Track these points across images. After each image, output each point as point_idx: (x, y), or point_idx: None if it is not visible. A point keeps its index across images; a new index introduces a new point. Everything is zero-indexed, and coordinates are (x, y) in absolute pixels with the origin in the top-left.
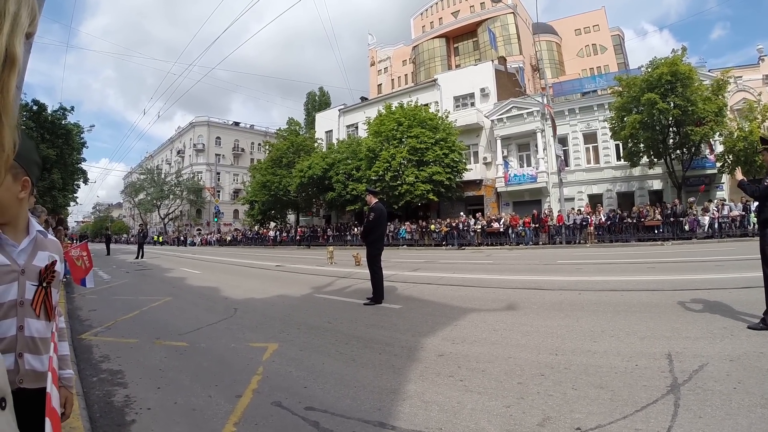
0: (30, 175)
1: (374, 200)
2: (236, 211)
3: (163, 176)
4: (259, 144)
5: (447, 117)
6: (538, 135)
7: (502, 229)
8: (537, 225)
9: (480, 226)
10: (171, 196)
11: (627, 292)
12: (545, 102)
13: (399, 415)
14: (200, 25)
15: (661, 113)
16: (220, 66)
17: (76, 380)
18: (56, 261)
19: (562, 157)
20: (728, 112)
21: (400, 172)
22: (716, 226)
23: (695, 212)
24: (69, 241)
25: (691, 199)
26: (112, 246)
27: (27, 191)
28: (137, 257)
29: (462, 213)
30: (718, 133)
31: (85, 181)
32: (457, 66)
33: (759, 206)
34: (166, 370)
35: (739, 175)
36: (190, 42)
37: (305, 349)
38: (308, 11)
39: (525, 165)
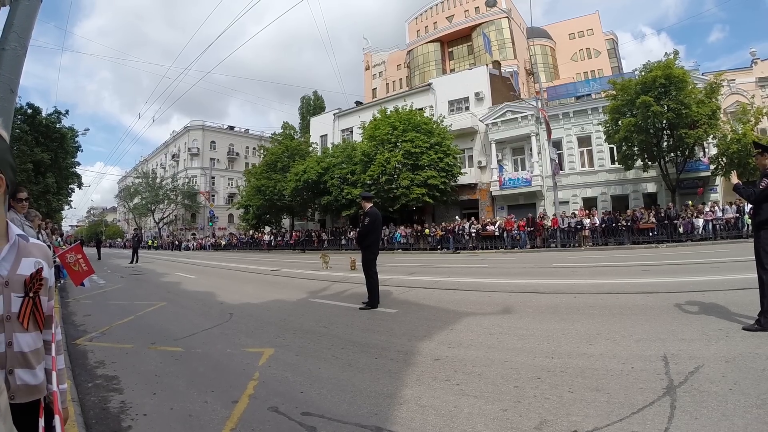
0: (4, 174)
1: (369, 205)
2: (231, 216)
3: (158, 180)
4: (254, 148)
5: (442, 121)
6: (533, 139)
7: (497, 233)
8: (532, 228)
9: (475, 230)
10: (166, 201)
11: (622, 294)
12: (539, 106)
13: (396, 419)
14: (198, 27)
15: (655, 116)
16: (217, 69)
17: (71, 386)
18: (43, 268)
19: (557, 161)
20: (722, 115)
21: (395, 176)
22: (710, 228)
23: (689, 215)
24: (65, 245)
25: (689, 202)
26: (103, 250)
27: (2, 191)
28: (132, 262)
29: (457, 217)
30: (711, 136)
31: (80, 186)
32: (452, 70)
33: (754, 209)
34: (162, 376)
35: (734, 179)
36: (186, 44)
37: (301, 354)
38: (308, 14)
39: (519, 168)
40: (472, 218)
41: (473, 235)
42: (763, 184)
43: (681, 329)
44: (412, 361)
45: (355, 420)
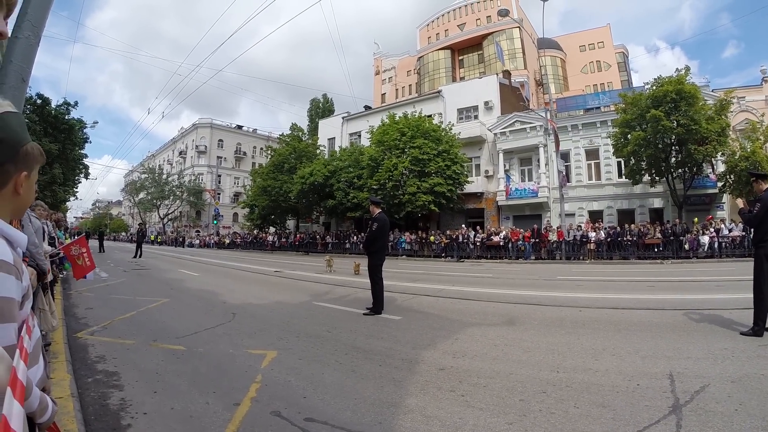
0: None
1: (377, 210)
2: (236, 215)
3: (164, 176)
4: (261, 148)
5: (450, 129)
6: (541, 150)
7: (501, 243)
8: (537, 240)
9: (480, 239)
10: (171, 197)
11: (628, 310)
12: (548, 117)
13: (400, 429)
14: (212, 24)
15: (664, 131)
16: (229, 67)
17: (71, 381)
18: None
19: (564, 173)
20: (731, 132)
21: (402, 183)
22: (716, 245)
23: (695, 231)
24: (70, 238)
25: (695, 219)
26: (107, 243)
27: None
28: (135, 256)
29: (462, 225)
30: (720, 153)
31: (86, 176)
32: (462, 78)
33: (754, 230)
34: (163, 374)
35: (740, 204)
36: (200, 41)
37: (304, 358)
38: (323, 15)
39: (526, 179)
40: (477, 227)
41: (478, 244)
42: (756, 208)
43: (687, 347)
44: (417, 370)
45: (359, 428)
